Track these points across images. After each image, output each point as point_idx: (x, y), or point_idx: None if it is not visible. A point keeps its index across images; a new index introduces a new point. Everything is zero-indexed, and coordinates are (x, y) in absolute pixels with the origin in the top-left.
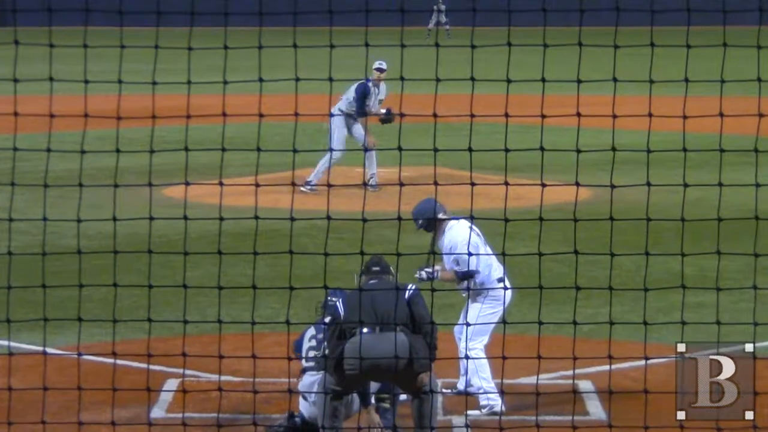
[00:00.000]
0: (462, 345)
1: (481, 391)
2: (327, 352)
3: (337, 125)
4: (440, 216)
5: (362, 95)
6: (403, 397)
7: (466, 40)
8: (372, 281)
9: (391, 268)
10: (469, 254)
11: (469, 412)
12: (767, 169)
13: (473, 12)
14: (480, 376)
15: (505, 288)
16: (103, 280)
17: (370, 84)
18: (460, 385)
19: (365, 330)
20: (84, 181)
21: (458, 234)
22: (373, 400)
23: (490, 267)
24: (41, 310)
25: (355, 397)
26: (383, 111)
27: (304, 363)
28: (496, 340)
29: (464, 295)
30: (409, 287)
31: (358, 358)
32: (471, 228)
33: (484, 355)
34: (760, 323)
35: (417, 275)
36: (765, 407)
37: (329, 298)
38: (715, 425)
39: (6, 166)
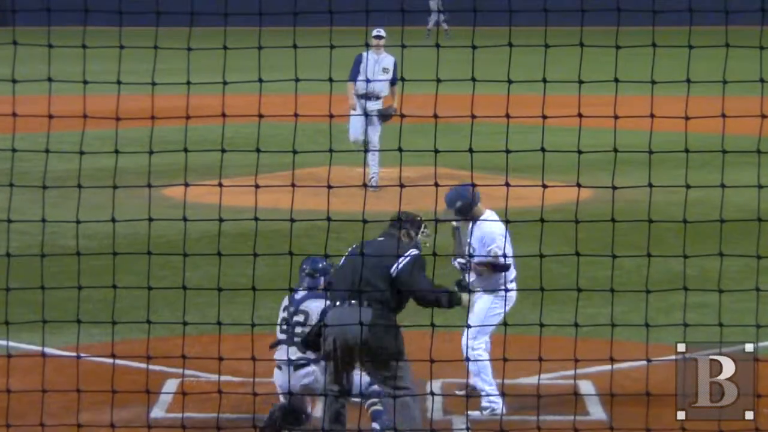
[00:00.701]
0: (467, 345)
1: (483, 393)
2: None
3: (354, 113)
4: (478, 204)
5: (355, 63)
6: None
7: (467, 40)
8: (379, 238)
9: (416, 221)
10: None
11: (470, 412)
12: None
13: (474, 12)
14: (482, 377)
15: (506, 289)
16: (104, 279)
17: (365, 54)
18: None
19: (337, 303)
20: (85, 181)
21: (497, 226)
22: (358, 399)
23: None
24: (41, 310)
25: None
26: (389, 107)
27: (277, 334)
28: (496, 339)
29: (477, 290)
30: (401, 258)
31: (330, 335)
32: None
33: (487, 356)
34: (762, 325)
35: (454, 263)
36: (765, 407)
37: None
38: (717, 426)
39: (6, 166)
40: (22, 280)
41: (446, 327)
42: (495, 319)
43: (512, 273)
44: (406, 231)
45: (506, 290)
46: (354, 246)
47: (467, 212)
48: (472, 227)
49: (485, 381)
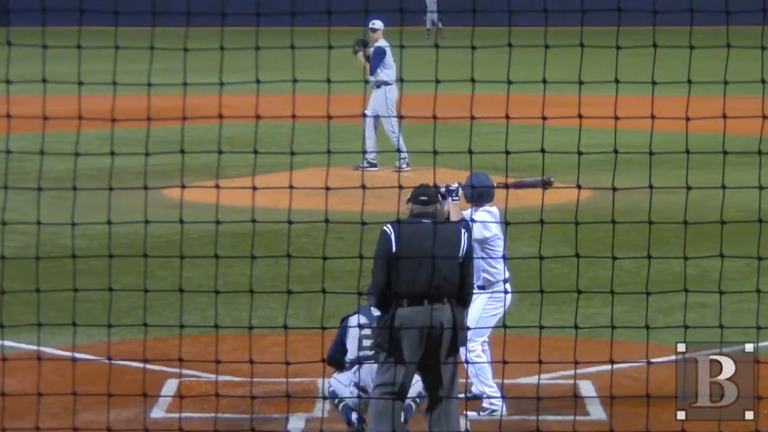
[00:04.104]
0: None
1: (484, 396)
2: (376, 280)
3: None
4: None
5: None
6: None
7: (467, 40)
8: (423, 222)
9: (440, 193)
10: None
11: (468, 413)
12: None
13: (473, 12)
14: (480, 379)
15: (506, 291)
16: (104, 279)
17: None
18: (475, 390)
19: (414, 304)
20: (85, 181)
21: (494, 216)
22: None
23: (502, 264)
24: (38, 311)
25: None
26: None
27: (356, 354)
28: (496, 340)
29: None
30: (462, 239)
31: (414, 330)
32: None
33: (485, 357)
34: (762, 326)
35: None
36: (765, 408)
37: (383, 228)
38: (717, 427)
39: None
40: (23, 281)
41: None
42: (491, 320)
43: (506, 273)
44: (440, 202)
45: (505, 292)
46: (390, 228)
47: (476, 201)
48: (473, 211)
49: (484, 383)
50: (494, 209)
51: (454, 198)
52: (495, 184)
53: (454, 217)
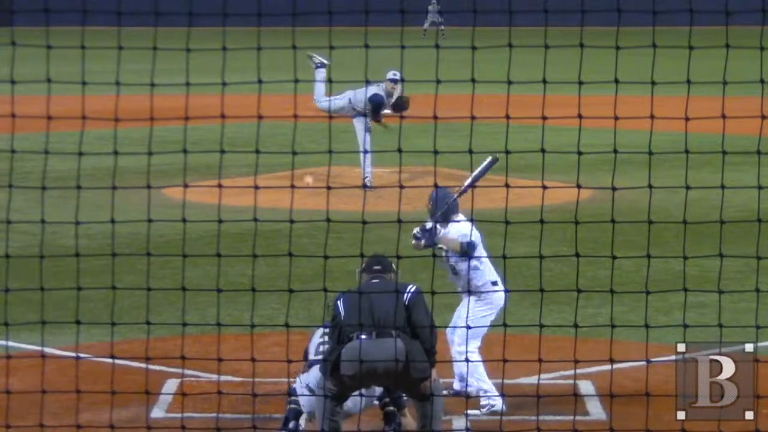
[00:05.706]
0: (454, 348)
1: (480, 393)
2: (326, 353)
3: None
4: (455, 212)
5: (378, 106)
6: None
7: (467, 40)
8: (372, 281)
9: (393, 265)
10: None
11: (469, 411)
12: None
13: (473, 12)
14: (476, 377)
15: (505, 291)
16: (106, 279)
17: (382, 93)
18: (456, 386)
19: (363, 336)
20: (88, 181)
21: (466, 226)
22: (376, 402)
23: (486, 268)
24: (41, 310)
25: (356, 399)
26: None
27: (311, 357)
28: (496, 339)
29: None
30: (408, 289)
31: (355, 361)
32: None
33: (479, 357)
34: (762, 325)
35: (414, 231)
36: (765, 407)
37: (335, 300)
38: (717, 426)
39: (8, 167)
40: (25, 279)
41: (443, 327)
42: (482, 321)
43: (493, 276)
44: (394, 273)
45: (505, 291)
46: (345, 292)
47: (446, 216)
48: (446, 229)
49: (480, 380)
50: (461, 216)
51: (437, 233)
52: (454, 195)
53: (453, 241)
